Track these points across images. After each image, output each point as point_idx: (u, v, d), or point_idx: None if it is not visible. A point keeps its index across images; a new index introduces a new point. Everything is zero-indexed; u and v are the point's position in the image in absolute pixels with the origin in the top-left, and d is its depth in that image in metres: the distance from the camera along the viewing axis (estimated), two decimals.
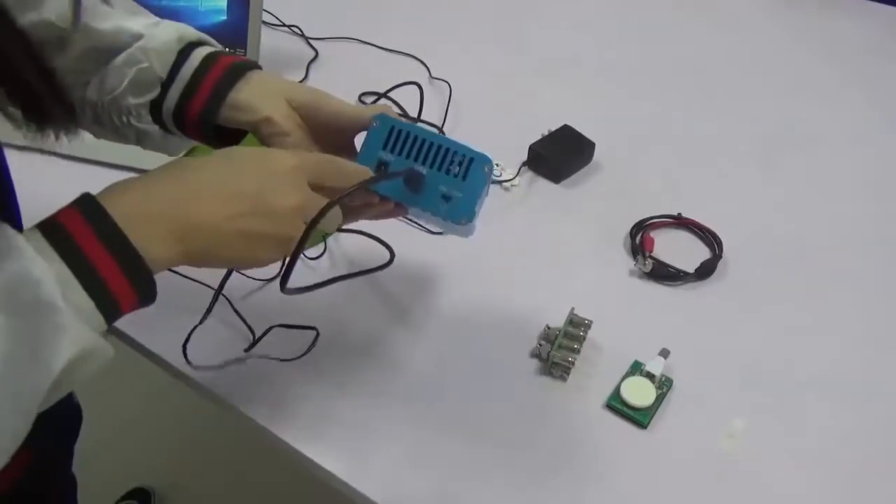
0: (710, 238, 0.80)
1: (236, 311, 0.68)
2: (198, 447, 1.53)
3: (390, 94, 0.96)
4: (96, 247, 0.40)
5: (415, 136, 0.56)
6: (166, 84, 0.55)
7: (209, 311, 0.67)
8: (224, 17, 0.97)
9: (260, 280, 0.70)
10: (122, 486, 1.43)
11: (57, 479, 0.76)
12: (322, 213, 0.48)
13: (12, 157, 0.51)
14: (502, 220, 0.81)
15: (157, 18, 0.58)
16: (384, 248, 0.74)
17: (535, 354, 0.67)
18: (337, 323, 0.69)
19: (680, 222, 0.82)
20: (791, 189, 0.90)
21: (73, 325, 0.38)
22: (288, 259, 0.49)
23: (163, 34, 0.55)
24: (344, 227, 0.58)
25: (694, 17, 1.26)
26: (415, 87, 0.96)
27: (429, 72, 1.03)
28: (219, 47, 0.59)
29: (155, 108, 0.56)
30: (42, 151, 0.81)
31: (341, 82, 1.01)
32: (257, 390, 0.63)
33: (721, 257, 0.78)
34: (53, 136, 0.39)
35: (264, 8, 0.97)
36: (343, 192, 0.50)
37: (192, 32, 0.57)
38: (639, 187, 0.88)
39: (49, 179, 0.70)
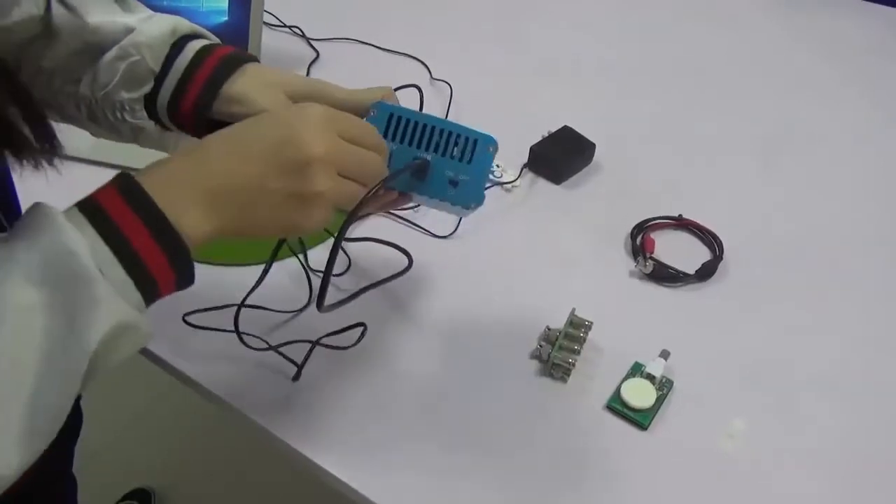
0: (710, 239, 0.80)
1: (237, 329, 0.67)
2: (198, 447, 1.53)
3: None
4: (131, 221, 0.39)
5: (415, 121, 0.55)
6: (160, 78, 0.53)
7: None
8: (225, 18, 0.97)
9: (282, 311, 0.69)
10: (122, 487, 1.43)
11: (57, 479, 0.76)
12: (354, 213, 0.47)
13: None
14: (503, 220, 0.81)
15: (152, 12, 0.57)
16: (392, 252, 0.73)
17: (536, 356, 0.67)
18: (335, 325, 0.69)
19: (680, 223, 0.82)
20: (791, 189, 0.90)
21: (110, 297, 0.37)
22: (322, 279, 0.49)
23: (155, 27, 0.53)
24: (351, 235, 0.57)
25: (693, 16, 1.26)
26: (415, 88, 0.96)
27: (429, 73, 1.03)
28: (214, 40, 0.57)
29: (149, 102, 0.54)
30: None
31: (342, 83, 1.00)
32: (257, 392, 0.63)
33: (722, 258, 0.78)
34: (32, 165, 0.38)
35: (265, 9, 0.97)
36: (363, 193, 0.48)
37: (186, 25, 0.55)
38: (639, 188, 0.88)
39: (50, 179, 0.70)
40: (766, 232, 0.83)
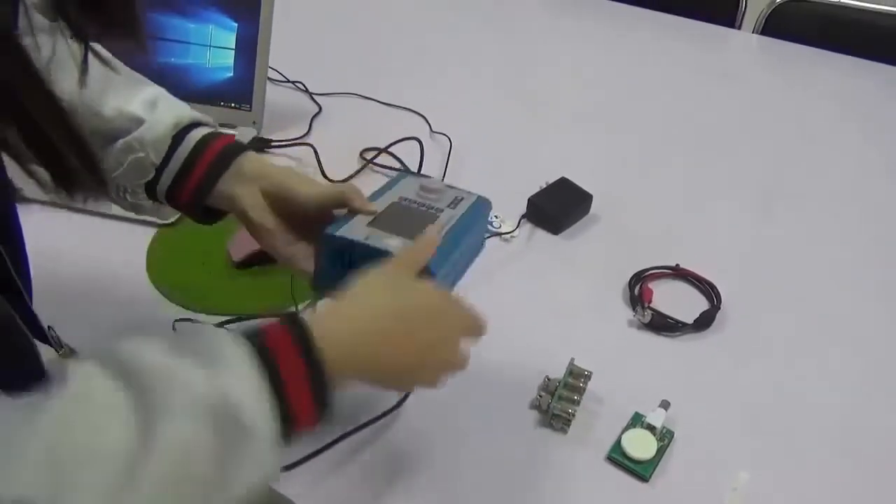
0: (707, 288, 0.81)
1: None
2: None
3: (392, 149, 0.99)
4: (303, 392, 0.39)
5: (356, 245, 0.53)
6: (160, 167, 0.58)
7: None
8: (231, 74, 0.99)
9: None
10: None
11: None
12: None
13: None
14: (502, 271, 0.82)
15: (156, 91, 0.61)
16: None
17: (535, 406, 0.67)
18: None
19: (678, 273, 0.83)
20: (788, 239, 0.91)
21: (267, 455, 0.38)
22: None
23: (160, 123, 0.58)
24: None
25: (689, 69, 1.29)
26: (416, 140, 0.98)
27: (429, 126, 1.06)
28: (212, 125, 0.62)
29: (149, 185, 0.59)
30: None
31: (344, 136, 1.03)
32: None
33: (720, 308, 0.78)
34: (81, 199, 0.40)
35: (270, 65, 1.00)
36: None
37: (187, 115, 0.60)
38: (636, 238, 0.89)
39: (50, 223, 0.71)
40: (764, 281, 0.84)
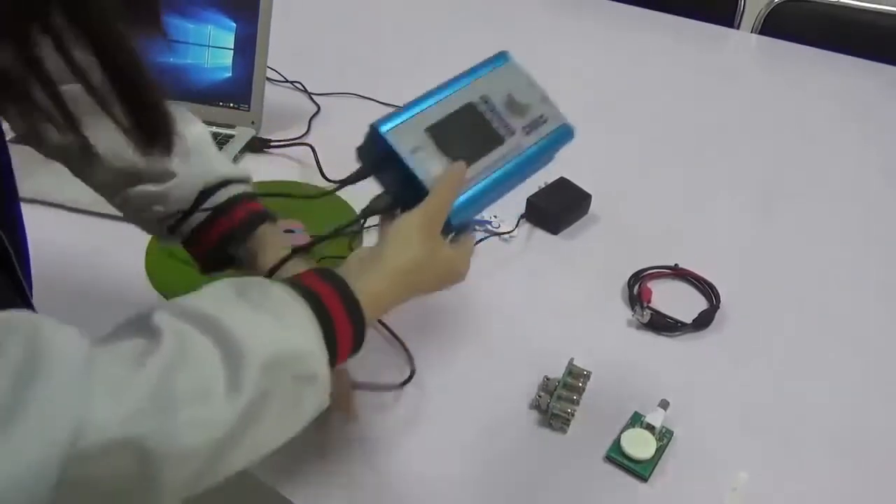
0: (706, 288, 0.81)
1: None
2: None
3: None
4: (347, 345, 0.48)
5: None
6: (187, 213, 0.61)
7: None
8: (229, 74, 0.99)
9: None
10: None
11: None
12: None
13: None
14: (501, 271, 0.82)
15: (193, 135, 0.61)
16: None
17: (535, 406, 0.67)
18: None
19: (677, 272, 0.83)
20: (787, 238, 0.91)
21: (322, 394, 0.46)
22: None
23: (187, 184, 0.60)
24: None
25: (688, 69, 1.29)
26: None
27: None
28: (242, 179, 0.63)
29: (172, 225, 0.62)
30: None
31: (343, 136, 1.02)
32: None
33: (718, 307, 0.78)
34: (156, 153, 0.42)
35: (268, 65, 1.00)
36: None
37: (214, 175, 0.61)
38: (635, 238, 0.89)
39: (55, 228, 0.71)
40: (763, 280, 0.84)
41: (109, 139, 0.57)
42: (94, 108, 0.52)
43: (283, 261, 0.60)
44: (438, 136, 0.53)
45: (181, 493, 0.39)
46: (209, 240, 0.61)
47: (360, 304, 0.48)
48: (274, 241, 0.62)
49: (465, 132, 0.54)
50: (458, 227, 0.54)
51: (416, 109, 0.53)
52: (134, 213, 0.62)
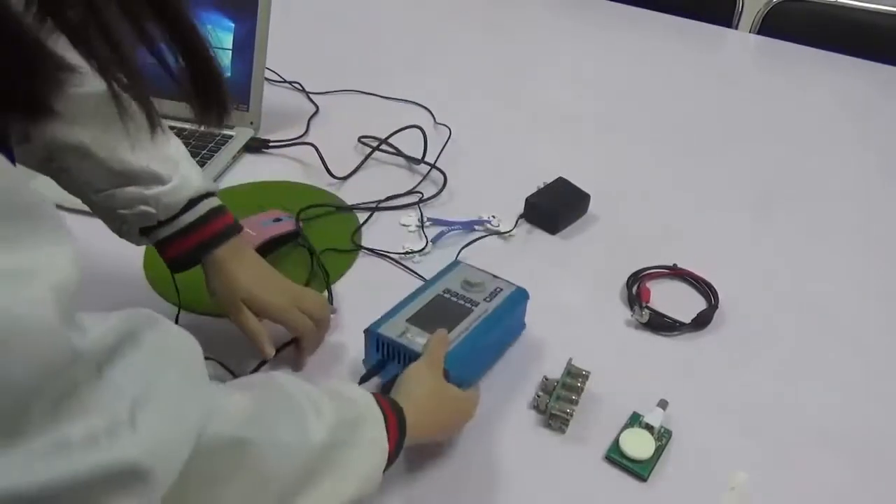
0: (705, 288, 0.81)
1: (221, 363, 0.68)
2: None
3: (391, 140, 0.98)
4: (394, 437, 0.54)
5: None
6: (163, 222, 0.64)
7: None
8: (228, 75, 0.99)
9: None
10: None
11: None
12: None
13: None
14: (500, 270, 0.81)
15: (176, 149, 0.65)
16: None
17: (534, 406, 0.67)
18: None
19: (675, 272, 0.83)
20: (786, 238, 0.91)
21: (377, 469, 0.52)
22: None
23: (178, 193, 0.63)
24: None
25: (686, 70, 1.29)
26: (418, 129, 0.98)
27: (433, 118, 1.06)
28: (217, 199, 0.67)
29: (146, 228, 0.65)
30: None
31: (343, 133, 1.03)
32: None
33: (717, 307, 0.78)
34: (212, 121, 0.46)
35: (266, 65, 1.00)
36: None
37: (202, 187, 0.65)
38: (634, 238, 0.89)
39: None
40: (761, 280, 0.84)
41: (103, 137, 0.59)
42: (95, 110, 0.55)
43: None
44: (418, 321, 0.67)
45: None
46: (187, 245, 0.65)
47: (406, 430, 0.55)
48: (243, 249, 0.68)
49: (439, 314, 0.68)
50: (457, 380, 0.62)
51: (397, 311, 0.68)
52: (110, 210, 0.64)
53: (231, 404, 0.45)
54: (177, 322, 0.70)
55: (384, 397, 0.56)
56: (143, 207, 0.63)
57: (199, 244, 0.65)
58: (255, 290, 0.66)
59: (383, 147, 0.98)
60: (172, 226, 0.64)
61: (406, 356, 0.64)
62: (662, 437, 0.65)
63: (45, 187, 0.81)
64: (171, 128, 0.72)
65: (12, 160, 0.47)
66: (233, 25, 0.98)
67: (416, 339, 0.65)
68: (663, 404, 0.67)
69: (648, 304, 0.77)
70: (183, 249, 0.65)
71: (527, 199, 0.90)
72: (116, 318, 0.38)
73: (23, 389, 0.31)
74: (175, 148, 0.66)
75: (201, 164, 0.93)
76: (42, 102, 0.35)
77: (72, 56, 0.36)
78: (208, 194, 0.66)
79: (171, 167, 0.63)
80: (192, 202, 0.64)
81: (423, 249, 0.84)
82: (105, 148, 0.61)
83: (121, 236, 0.66)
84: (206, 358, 0.44)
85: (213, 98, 0.44)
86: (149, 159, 0.62)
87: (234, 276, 0.66)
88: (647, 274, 0.82)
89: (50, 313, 0.31)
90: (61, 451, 0.32)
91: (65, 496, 0.32)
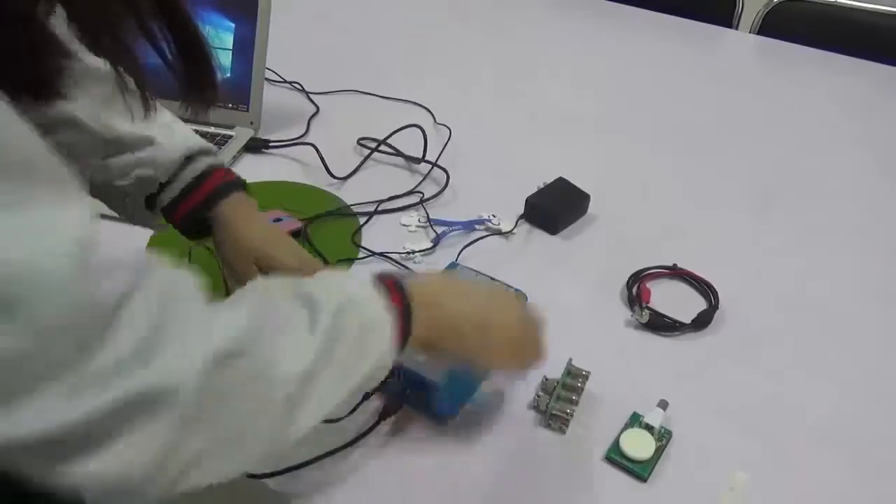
0: (705, 288, 0.81)
1: None
2: None
3: (391, 140, 0.98)
4: (400, 323, 0.51)
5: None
6: (164, 184, 0.65)
7: None
8: (228, 75, 0.99)
9: None
10: None
11: None
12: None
13: None
14: (500, 270, 0.81)
15: (169, 115, 0.66)
16: None
17: (534, 406, 0.67)
18: None
19: (675, 273, 0.83)
20: (785, 239, 0.91)
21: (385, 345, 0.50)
22: None
23: (173, 149, 0.64)
24: None
25: (687, 70, 1.29)
26: (418, 128, 0.98)
27: (433, 117, 1.06)
28: (217, 157, 0.68)
29: (149, 198, 0.65)
30: None
31: (343, 133, 1.03)
32: None
33: (717, 308, 0.78)
34: (202, 108, 0.47)
35: (266, 66, 1.00)
36: None
37: (197, 145, 0.66)
38: (634, 238, 0.89)
39: None
40: (762, 281, 0.84)
41: (93, 107, 0.60)
42: (81, 79, 0.54)
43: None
44: None
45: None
46: (193, 202, 0.65)
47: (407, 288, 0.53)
48: (251, 207, 0.67)
49: None
50: (451, 387, 0.63)
51: None
52: (109, 186, 0.64)
53: (232, 320, 0.44)
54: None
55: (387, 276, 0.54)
56: (139, 171, 0.63)
57: (205, 199, 0.65)
58: (268, 249, 0.65)
59: (383, 147, 0.98)
60: (174, 187, 0.64)
61: (404, 374, 0.62)
62: (662, 438, 0.65)
63: None
64: None
65: None
66: (233, 25, 0.98)
67: (415, 357, 0.62)
68: (663, 404, 0.67)
69: (648, 305, 0.77)
70: (189, 208, 0.65)
71: (527, 200, 0.90)
72: (125, 263, 0.40)
73: (48, 335, 0.33)
74: (168, 116, 0.66)
75: None
76: (49, 85, 0.37)
77: (63, 33, 0.37)
78: (207, 152, 0.66)
79: (164, 131, 0.64)
80: (189, 159, 0.64)
81: (424, 250, 0.84)
82: (95, 119, 0.61)
83: (131, 220, 0.66)
84: None
85: (203, 76, 0.45)
86: (142, 128, 0.63)
87: (244, 234, 0.65)
88: (648, 274, 0.82)
89: (69, 264, 0.34)
90: (93, 385, 0.35)
91: (97, 424, 0.35)
